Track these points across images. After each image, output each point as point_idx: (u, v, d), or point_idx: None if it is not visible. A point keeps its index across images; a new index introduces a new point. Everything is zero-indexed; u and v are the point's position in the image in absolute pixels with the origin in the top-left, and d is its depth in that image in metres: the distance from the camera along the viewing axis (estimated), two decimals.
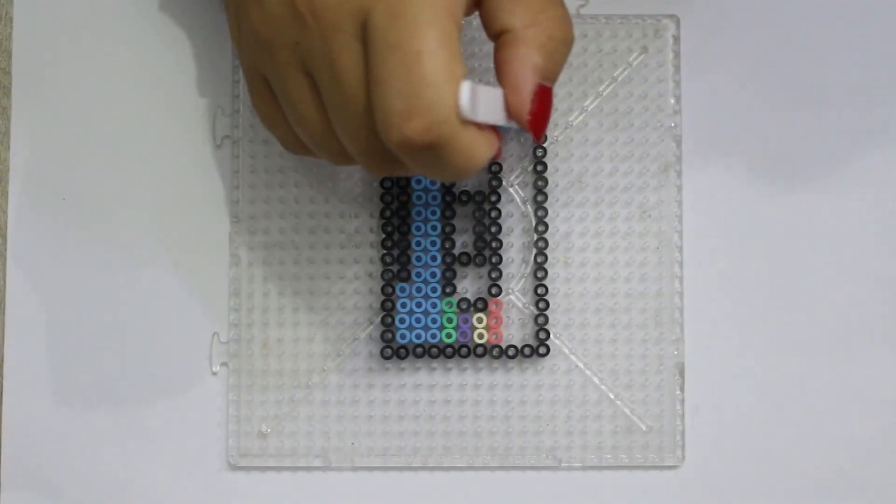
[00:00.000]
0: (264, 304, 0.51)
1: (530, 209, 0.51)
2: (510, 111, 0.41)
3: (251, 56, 0.43)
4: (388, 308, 0.50)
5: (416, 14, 0.38)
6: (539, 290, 0.51)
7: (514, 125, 0.42)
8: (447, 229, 0.51)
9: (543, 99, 0.42)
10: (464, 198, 0.51)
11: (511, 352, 0.50)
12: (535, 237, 0.51)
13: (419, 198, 0.51)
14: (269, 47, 0.42)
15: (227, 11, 0.45)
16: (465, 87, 0.39)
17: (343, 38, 0.40)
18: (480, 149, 0.40)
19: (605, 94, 0.52)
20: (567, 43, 0.42)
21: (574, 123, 0.51)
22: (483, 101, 0.40)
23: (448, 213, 0.51)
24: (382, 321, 0.50)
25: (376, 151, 0.41)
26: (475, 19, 0.45)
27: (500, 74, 0.42)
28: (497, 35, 0.42)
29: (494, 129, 0.41)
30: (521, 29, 0.41)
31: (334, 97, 0.40)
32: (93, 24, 0.52)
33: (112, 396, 0.51)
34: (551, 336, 0.51)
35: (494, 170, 0.51)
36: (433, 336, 0.50)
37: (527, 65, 0.41)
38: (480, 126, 0.40)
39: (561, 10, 0.42)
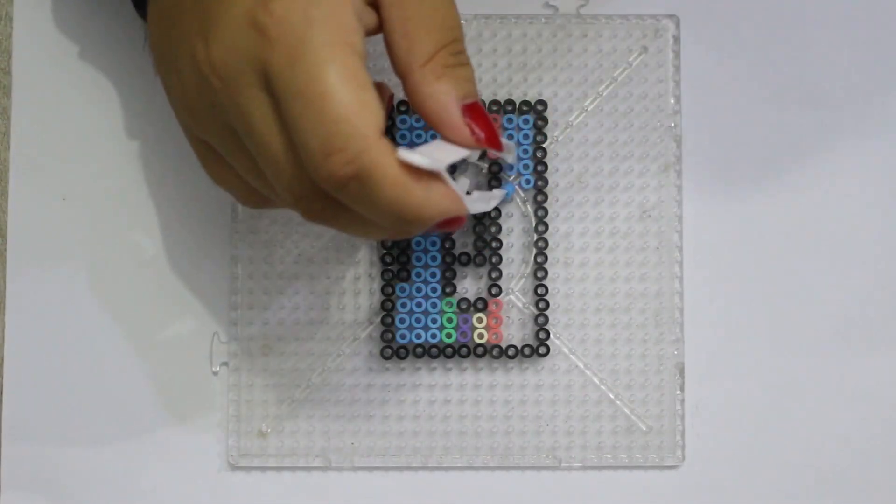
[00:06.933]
0: (264, 303, 0.51)
1: (530, 209, 0.51)
2: (459, 144, 0.41)
3: (186, 124, 0.43)
4: (388, 308, 0.50)
5: (313, 56, 0.38)
6: (539, 290, 0.51)
7: (466, 154, 0.42)
8: None
9: (476, 115, 0.42)
10: None
11: (511, 352, 0.50)
12: (535, 237, 0.51)
13: None
14: (193, 114, 0.42)
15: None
16: (402, 154, 0.39)
17: (248, 92, 0.39)
18: (415, 183, 0.39)
19: (605, 94, 0.52)
20: (465, 60, 0.42)
21: (574, 123, 0.51)
22: (427, 154, 0.39)
23: None
24: (382, 321, 0.50)
25: (308, 198, 0.41)
26: None
27: (425, 117, 0.41)
28: (401, 76, 0.41)
29: (440, 179, 0.40)
30: (419, 69, 0.41)
31: (256, 150, 0.40)
32: (92, 23, 0.52)
33: (112, 396, 0.51)
34: (551, 336, 0.51)
35: (494, 170, 0.51)
36: (433, 336, 0.50)
37: (442, 100, 0.41)
38: (420, 171, 0.40)
39: (451, 33, 0.41)
